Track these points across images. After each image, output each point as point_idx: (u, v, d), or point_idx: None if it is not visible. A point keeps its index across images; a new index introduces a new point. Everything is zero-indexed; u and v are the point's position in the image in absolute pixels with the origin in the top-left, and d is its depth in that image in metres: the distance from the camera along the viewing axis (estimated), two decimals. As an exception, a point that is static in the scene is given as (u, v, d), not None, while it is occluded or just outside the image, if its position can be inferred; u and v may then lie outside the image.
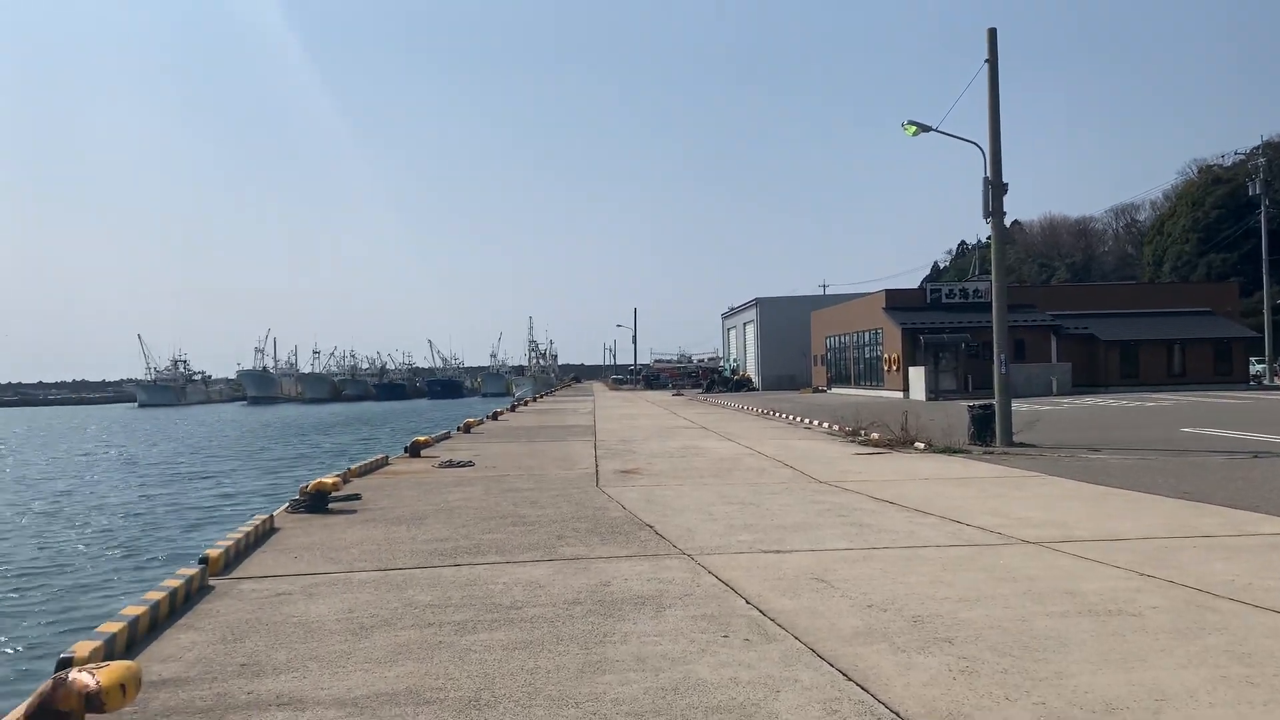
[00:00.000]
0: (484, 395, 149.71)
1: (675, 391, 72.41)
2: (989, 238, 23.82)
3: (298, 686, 5.11)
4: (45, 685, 4.04)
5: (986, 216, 20.31)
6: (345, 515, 11.48)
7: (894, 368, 47.56)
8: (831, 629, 6.07)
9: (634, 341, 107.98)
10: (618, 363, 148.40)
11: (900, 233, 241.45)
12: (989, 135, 20.20)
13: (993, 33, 20.13)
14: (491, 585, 7.52)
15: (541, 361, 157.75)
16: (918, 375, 44.77)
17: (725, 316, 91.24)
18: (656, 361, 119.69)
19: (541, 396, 70.32)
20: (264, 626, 6.37)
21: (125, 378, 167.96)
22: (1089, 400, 38.20)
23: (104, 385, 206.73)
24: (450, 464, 17.30)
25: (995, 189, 20.04)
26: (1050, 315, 47.58)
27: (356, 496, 12.76)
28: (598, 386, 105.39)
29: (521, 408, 47.15)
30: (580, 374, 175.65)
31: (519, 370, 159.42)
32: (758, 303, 74.53)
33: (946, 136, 20.45)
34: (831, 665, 5.31)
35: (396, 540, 9.65)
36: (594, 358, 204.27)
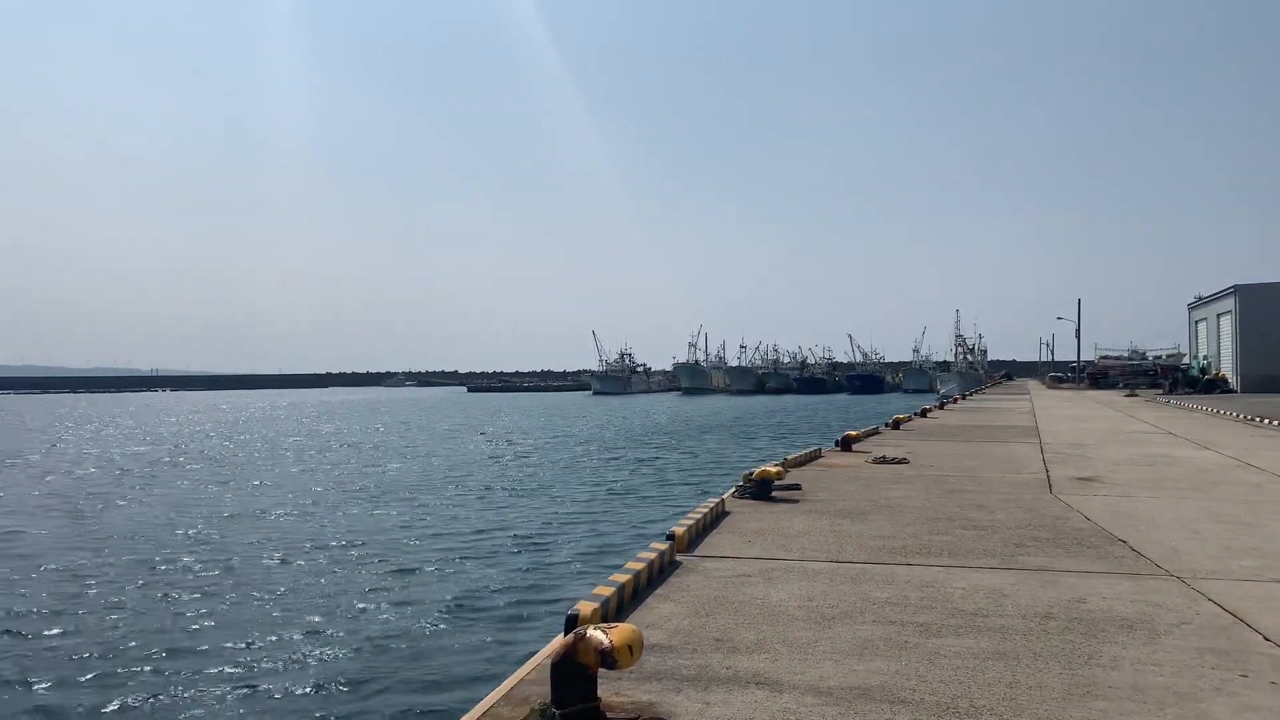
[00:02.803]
0: (905, 391, 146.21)
1: (1128, 392, 64.80)
2: None
3: (771, 668, 5.29)
4: (569, 638, 4.57)
5: None
6: (788, 504, 11.77)
7: None
8: (1396, 687, 4.93)
9: (1077, 336, 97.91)
10: (1055, 359, 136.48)
11: None
12: None
13: None
14: (949, 589, 7.21)
15: (969, 357, 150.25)
16: None
17: (1192, 307, 79.66)
18: (1103, 358, 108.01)
19: (970, 394, 66.87)
20: (731, 605, 6.70)
21: (582, 369, 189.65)
22: None
23: (564, 375, 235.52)
24: (884, 460, 17.03)
25: None
26: None
27: (797, 486, 13.03)
28: (1032, 384, 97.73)
29: (950, 405, 45.19)
30: (1011, 370, 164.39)
31: (943, 366, 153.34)
32: (1236, 290, 63.98)
33: None
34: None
35: (843, 533, 9.67)
36: (1026, 353, 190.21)
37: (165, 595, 14.73)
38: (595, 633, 4.53)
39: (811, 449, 18.63)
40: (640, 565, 7.35)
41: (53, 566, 17.30)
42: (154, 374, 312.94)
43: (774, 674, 5.18)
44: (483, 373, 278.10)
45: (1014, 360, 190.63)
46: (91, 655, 11.82)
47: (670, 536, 8.77)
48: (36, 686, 10.75)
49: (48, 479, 33.41)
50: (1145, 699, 4.76)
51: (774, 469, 12.60)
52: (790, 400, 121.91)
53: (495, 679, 9.23)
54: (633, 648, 4.49)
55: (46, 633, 12.93)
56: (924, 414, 34.43)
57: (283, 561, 17.36)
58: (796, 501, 11.99)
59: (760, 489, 12.32)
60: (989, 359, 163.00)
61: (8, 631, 12.99)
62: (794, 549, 8.83)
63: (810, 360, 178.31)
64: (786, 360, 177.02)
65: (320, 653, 11.63)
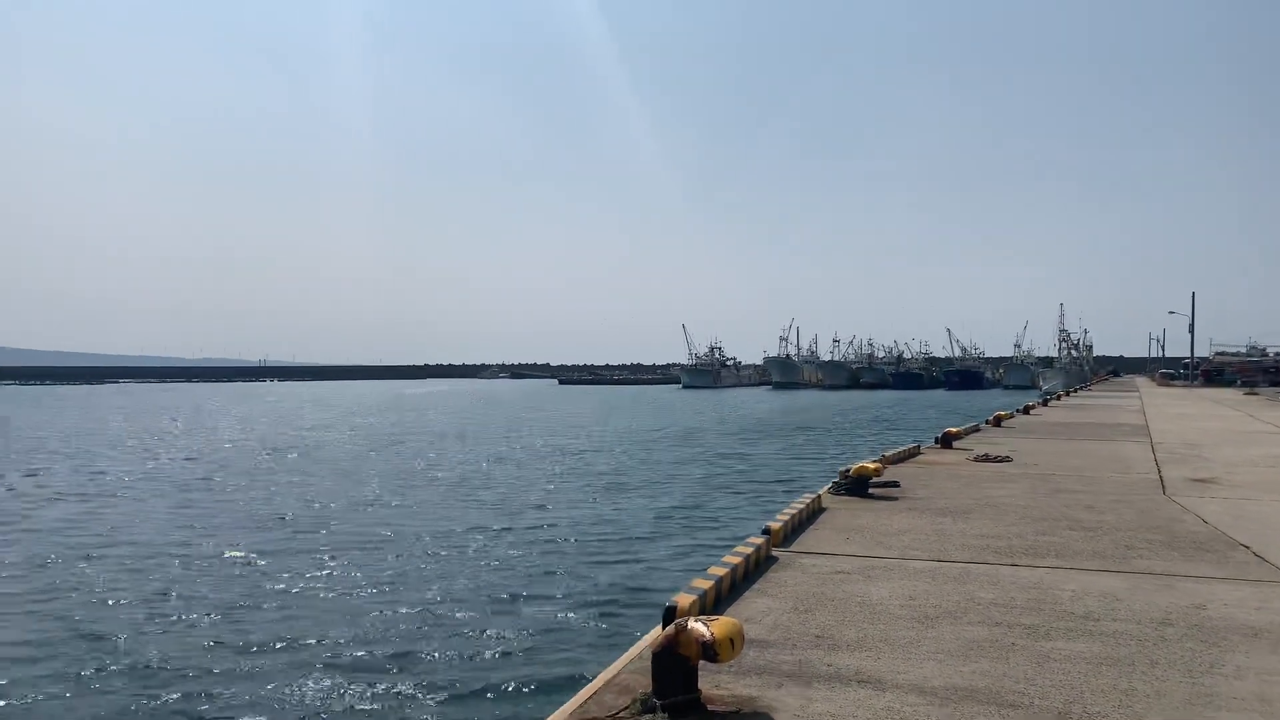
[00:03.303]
0: (1006, 387, 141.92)
1: (1246, 390, 61.57)
2: None
3: (872, 666, 5.22)
4: (670, 630, 4.61)
5: None
6: (887, 501, 11.58)
7: None
8: None
9: (1190, 330, 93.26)
10: (1165, 355, 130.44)
11: None
12: None
13: None
14: (1058, 591, 6.99)
15: (1074, 352, 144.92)
16: None
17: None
18: (1218, 354, 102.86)
19: (1075, 391, 64.51)
20: (830, 602, 6.64)
21: (671, 362, 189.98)
22: None
23: (654, 368, 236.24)
24: (986, 458, 16.58)
25: None
26: None
27: (896, 484, 12.81)
28: (1141, 381, 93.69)
29: (1054, 402, 43.68)
30: (1118, 367, 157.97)
31: (1046, 362, 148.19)
32: (1368, 283, 60.03)
33: None
34: None
35: (944, 532, 9.46)
36: (1134, 349, 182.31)
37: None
38: (696, 625, 4.55)
39: (910, 446, 18.27)
40: (737, 559, 7.34)
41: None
42: (262, 364, 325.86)
43: (876, 672, 5.12)
44: (574, 365, 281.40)
45: (1121, 356, 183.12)
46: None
47: (766, 531, 8.73)
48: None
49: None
50: (1273, 711, 4.54)
51: (871, 465, 12.41)
52: (885, 396, 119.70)
53: (593, 666, 9.37)
54: (734, 641, 4.50)
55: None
56: (1027, 411, 33.39)
57: (371, 556, 17.90)
58: (895, 499, 11.78)
59: (857, 485, 12.15)
60: (1094, 355, 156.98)
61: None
62: (894, 547, 8.69)
63: (906, 355, 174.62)
64: (881, 355, 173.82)
65: (423, 635, 11.98)
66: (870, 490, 12.13)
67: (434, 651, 11.43)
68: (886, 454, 16.46)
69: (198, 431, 54.53)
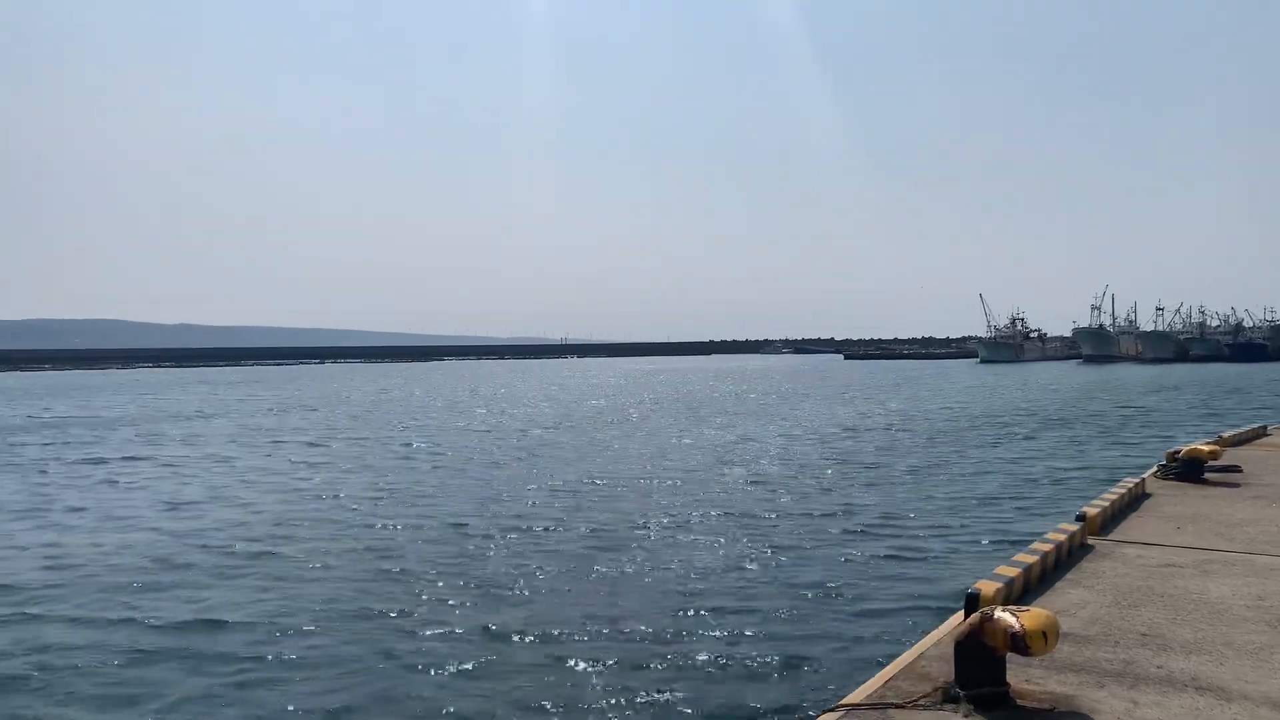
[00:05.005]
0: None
1: None
2: None
3: (1214, 673, 4.65)
4: (974, 618, 4.37)
5: None
6: (1225, 488, 10.28)
7: None
8: None
9: None
10: None
11: None
12: None
13: None
14: None
15: None
16: None
17: None
18: None
19: None
20: (1158, 598, 6.00)
21: (967, 335, 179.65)
22: None
23: (947, 342, 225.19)
24: (1356, 441, 14.22)
25: None
26: None
27: (1237, 468, 11.32)
28: None
29: None
30: None
31: None
32: None
33: None
34: None
35: (1302, 525, 8.23)
36: None
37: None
38: (1004, 614, 4.27)
39: (1254, 426, 16.08)
40: (1047, 547, 6.82)
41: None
42: (564, 342, 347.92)
43: (1218, 680, 4.55)
44: (859, 339, 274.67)
45: None
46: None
47: (1081, 518, 8.04)
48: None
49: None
50: None
51: (1206, 447, 11.06)
52: (1220, 370, 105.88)
53: (885, 648, 9.13)
54: (1047, 634, 4.18)
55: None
56: None
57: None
58: (1236, 485, 10.43)
59: (1189, 469, 10.89)
60: None
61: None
62: (1237, 539, 7.69)
63: (1247, 324, 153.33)
64: (1215, 324, 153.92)
65: (716, 610, 12.25)
66: (1205, 475, 10.83)
67: (717, 625, 11.66)
68: (1224, 435, 14.60)
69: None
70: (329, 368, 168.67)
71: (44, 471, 25.38)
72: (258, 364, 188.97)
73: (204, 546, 15.21)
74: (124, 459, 28.26)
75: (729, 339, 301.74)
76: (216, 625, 10.75)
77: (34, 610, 11.54)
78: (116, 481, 23.17)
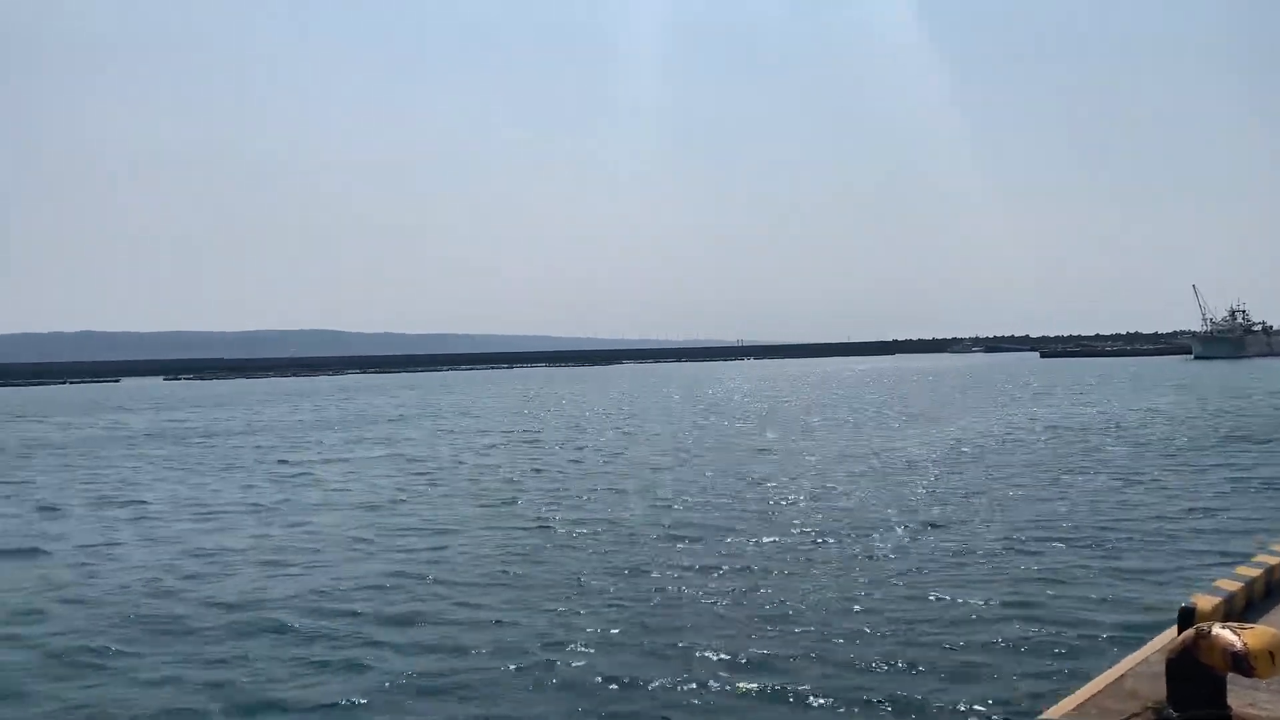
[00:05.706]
0: None
1: None
2: None
3: None
4: (1189, 634, 4.09)
5: None
6: None
7: None
8: None
9: None
10: None
11: None
12: None
13: None
14: None
15: None
16: None
17: None
18: None
19: None
20: None
21: (1177, 329, 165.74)
22: None
23: (1155, 337, 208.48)
24: None
25: None
26: None
27: None
28: None
29: None
30: None
31: None
32: None
33: None
34: None
35: None
36: None
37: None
38: (1223, 632, 3.98)
39: None
40: (1274, 559, 6.25)
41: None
42: (739, 344, 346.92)
43: None
44: (1057, 337, 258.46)
45: None
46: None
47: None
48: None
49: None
50: None
51: None
52: None
53: (1087, 662, 8.61)
54: (1275, 655, 3.86)
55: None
56: None
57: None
58: None
59: None
60: None
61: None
62: None
63: None
64: None
65: (913, 617, 11.94)
66: None
67: (909, 633, 11.34)
68: None
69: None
70: (519, 372, 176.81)
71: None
72: (452, 369, 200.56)
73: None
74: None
75: (910, 338, 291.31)
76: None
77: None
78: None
